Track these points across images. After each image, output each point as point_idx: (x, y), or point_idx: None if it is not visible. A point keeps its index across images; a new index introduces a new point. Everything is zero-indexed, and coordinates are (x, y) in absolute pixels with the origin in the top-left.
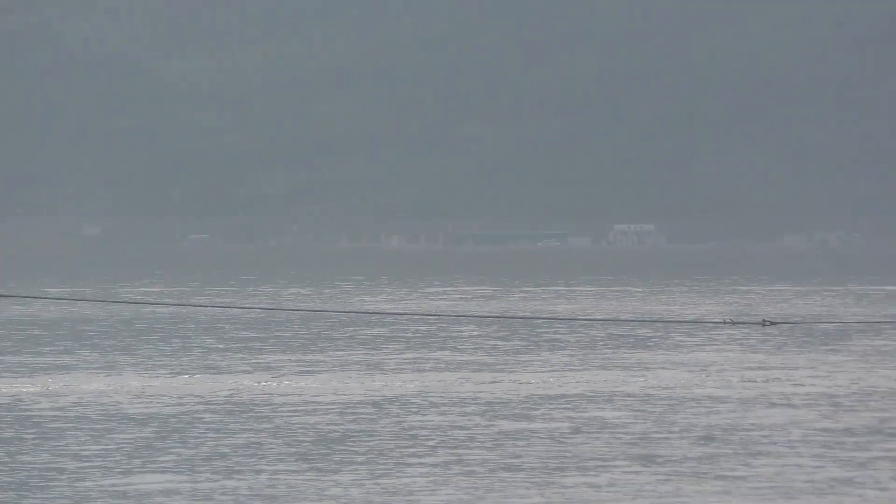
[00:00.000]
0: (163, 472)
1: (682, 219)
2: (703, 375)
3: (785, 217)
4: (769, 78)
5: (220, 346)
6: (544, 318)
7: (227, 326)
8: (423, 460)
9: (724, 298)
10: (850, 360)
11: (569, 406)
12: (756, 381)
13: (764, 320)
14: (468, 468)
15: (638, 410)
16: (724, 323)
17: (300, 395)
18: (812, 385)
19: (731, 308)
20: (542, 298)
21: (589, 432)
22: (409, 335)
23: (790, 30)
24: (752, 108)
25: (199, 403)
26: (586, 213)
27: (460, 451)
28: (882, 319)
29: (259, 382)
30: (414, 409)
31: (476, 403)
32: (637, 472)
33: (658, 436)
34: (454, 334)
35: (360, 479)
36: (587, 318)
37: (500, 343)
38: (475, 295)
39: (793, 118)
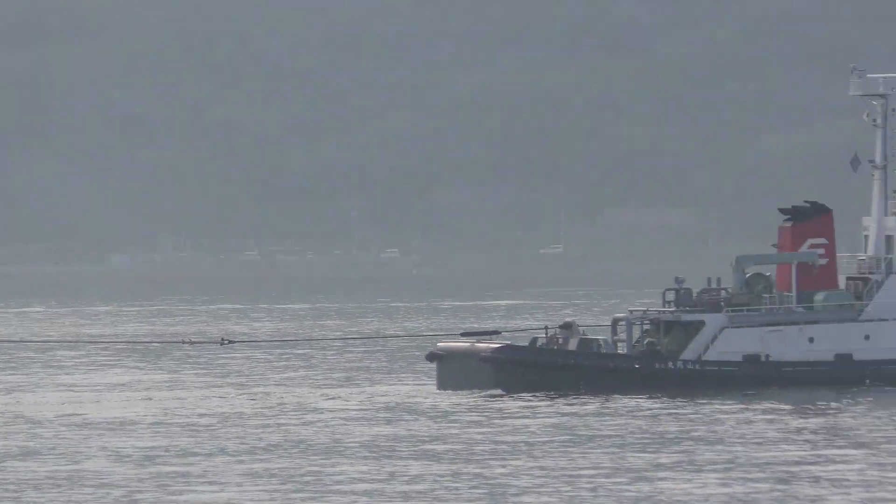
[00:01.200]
0: None
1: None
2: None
3: (110, 238)
4: (80, 98)
5: None
6: None
7: None
8: None
9: (77, 320)
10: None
11: None
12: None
13: (223, 339)
14: None
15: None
16: (184, 343)
17: None
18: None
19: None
20: None
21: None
22: None
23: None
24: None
25: None
26: None
27: None
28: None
29: None
30: None
31: None
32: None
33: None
34: None
35: None
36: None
37: None
38: None
39: (114, 136)
